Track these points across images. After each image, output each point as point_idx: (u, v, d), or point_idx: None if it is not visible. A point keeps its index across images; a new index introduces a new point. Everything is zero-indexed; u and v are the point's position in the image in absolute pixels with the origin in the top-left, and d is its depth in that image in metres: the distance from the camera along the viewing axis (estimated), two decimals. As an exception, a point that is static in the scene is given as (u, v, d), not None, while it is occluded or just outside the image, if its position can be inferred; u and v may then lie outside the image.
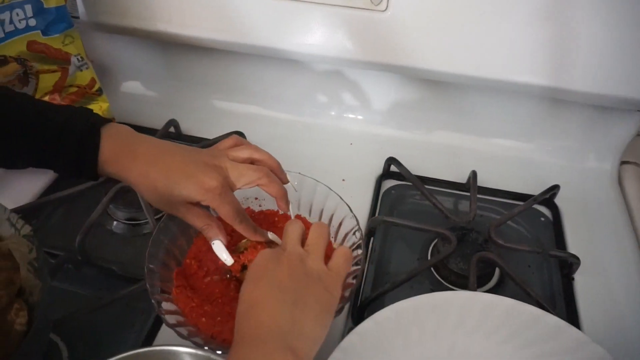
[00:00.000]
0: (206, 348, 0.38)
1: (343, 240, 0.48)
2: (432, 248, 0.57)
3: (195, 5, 0.63)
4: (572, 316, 0.50)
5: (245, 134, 0.68)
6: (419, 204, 0.62)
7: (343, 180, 0.63)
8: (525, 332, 0.42)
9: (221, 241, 0.44)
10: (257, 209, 0.53)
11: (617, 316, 0.50)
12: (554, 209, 0.61)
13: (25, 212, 0.57)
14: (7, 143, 0.41)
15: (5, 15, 0.53)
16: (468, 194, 0.60)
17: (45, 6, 0.56)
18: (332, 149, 0.69)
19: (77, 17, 0.67)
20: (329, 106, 0.73)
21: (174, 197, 0.41)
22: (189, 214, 0.43)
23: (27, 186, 0.62)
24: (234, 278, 0.46)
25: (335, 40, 0.61)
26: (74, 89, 0.61)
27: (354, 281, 0.44)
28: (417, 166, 0.64)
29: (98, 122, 0.42)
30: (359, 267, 0.44)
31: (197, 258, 0.48)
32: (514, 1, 0.54)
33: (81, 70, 0.61)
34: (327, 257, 0.42)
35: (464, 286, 0.50)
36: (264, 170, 0.44)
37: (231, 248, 0.45)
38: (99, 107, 0.64)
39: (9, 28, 0.54)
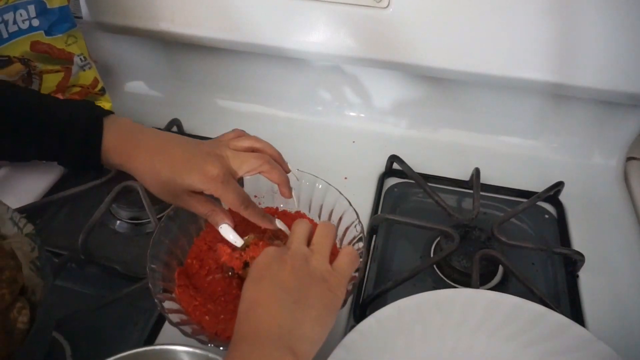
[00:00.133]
0: (210, 345, 0.39)
1: (344, 234, 0.48)
2: (435, 246, 0.56)
3: (198, 4, 0.63)
4: (576, 314, 0.50)
5: (248, 132, 0.68)
6: (422, 202, 0.62)
7: (345, 178, 0.63)
8: (530, 330, 0.42)
9: (228, 224, 0.44)
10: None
11: (622, 314, 0.50)
12: (559, 206, 0.61)
13: (30, 212, 0.57)
14: (12, 136, 0.42)
15: (9, 16, 0.54)
16: (471, 191, 0.60)
17: (48, 6, 0.56)
18: (334, 147, 0.69)
19: (80, 18, 0.67)
20: (332, 104, 0.73)
21: (177, 187, 0.42)
22: (193, 202, 0.43)
23: (31, 186, 0.62)
24: (236, 275, 0.46)
25: (337, 38, 0.61)
26: (77, 89, 0.62)
27: (356, 274, 0.43)
28: (420, 164, 0.63)
29: (100, 114, 0.43)
30: (361, 260, 0.44)
31: (199, 257, 0.48)
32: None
33: (84, 70, 0.61)
34: (333, 255, 0.42)
35: (467, 284, 0.50)
36: (265, 158, 0.44)
37: (233, 245, 0.45)
38: (101, 106, 0.64)
39: (12, 28, 0.55)
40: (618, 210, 0.61)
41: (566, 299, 0.52)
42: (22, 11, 0.54)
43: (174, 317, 0.41)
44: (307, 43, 0.62)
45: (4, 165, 0.63)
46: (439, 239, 0.56)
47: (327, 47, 0.62)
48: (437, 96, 0.68)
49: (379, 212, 0.59)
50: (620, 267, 0.54)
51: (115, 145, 0.43)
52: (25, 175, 0.63)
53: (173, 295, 0.44)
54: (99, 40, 0.73)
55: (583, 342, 0.40)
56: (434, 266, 0.54)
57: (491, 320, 0.42)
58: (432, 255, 0.56)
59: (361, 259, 0.44)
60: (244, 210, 0.43)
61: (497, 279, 0.54)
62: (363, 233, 0.46)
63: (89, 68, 0.61)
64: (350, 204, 0.48)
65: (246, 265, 0.44)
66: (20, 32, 0.55)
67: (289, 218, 0.52)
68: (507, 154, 0.68)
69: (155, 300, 0.41)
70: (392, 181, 0.64)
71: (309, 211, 0.52)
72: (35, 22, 0.56)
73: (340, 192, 0.49)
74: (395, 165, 0.64)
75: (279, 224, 0.46)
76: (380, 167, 0.65)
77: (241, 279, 0.46)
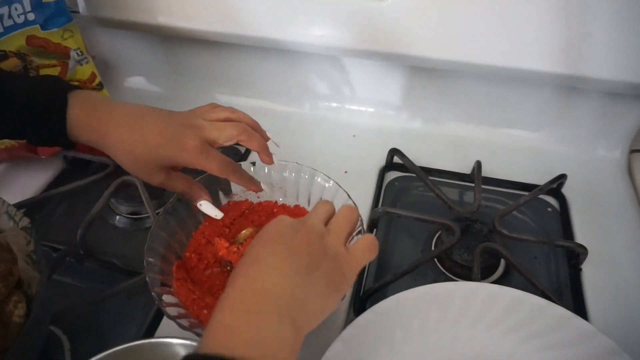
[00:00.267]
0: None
1: None
2: (436, 240, 0.56)
3: (196, -2, 0.63)
4: (579, 307, 0.49)
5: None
6: (423, 196, 0.61)
7: (345, 172, 0.63)
8: (530, 323, 0.41)
9: (207, 200, 0.44)
10: (255, 200, 0.52)
11: (625, 307, 0.49)
12: (561, 199, 0.60)
13: (29, 207, 0.58)
14: None
15: (4, 10, 0.53)
16: (473, 184, 0.59)
17: (43, 0, 0.55)
18: (334, 141, 0.69)
19: (78, 12, 0.66)
20: (331, 98, 0.72)
21: (153, 163, 0.40)
22: (169, 180, 0.42)
23: (30, 181, 0.62)
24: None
25: (335, 31, 0.60)
26: (75, 84, 0.61)
27: None
28: (421, 157, 0.63)
29: (64, 88, 0.41)
30: None
31: (197, 251, 0.48)
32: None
33: (81, 65, 0.61)
34: None
35: (468, 277, 0.49)
36: (242, 126, 0.43)
37: (230, 240, 0.45)
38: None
39: (8, 23, 0.54)
40: (622, 203, 0.60)
41: (569, 293, 0.51)
42: (17, 5, 0.54)
43: (172, 311, 0.41)
44: (306, 35, 0.62)
45: (3, 161, 0.63)
46: (440, 232, 0.56)
47: (326, 40, 0.62)
48: (437, 88, 0.67)
49: (380, 206, 0.59)
50: (623, 260, 0.54)
51: (83, 119, 0.40)
52: (25, 171, 0.63)
53: (171, 289, 0.44)
54: (97, 35, 0.73)
55: (584, 335, 0.40)
56: (435, 260, 0.54)
57: (491, 313, 0.42)
58: (433, 248, 0.55)
59: None
60: (232, 174, 0.42)
61: (499, 272, 0.53)
62: (362, 226, 0.46)
63: (86, 63, 0.61)
64: (350, 197, 0.48)
65: None
66: (16, 26, 0.55)
67: (288, 211, 0.52)
68: (509, 146, 0.67)
69: (153, 294, 0.41)
70: (392, 175, 0.64)
71: (308, 205, 0.51)
72: (31, 16, 0.55)
73: (339, 185, 0.49)
74: (396, 159, 0.63)
75: (264, 187, 0.47)
76: (381, 160, 0.64)
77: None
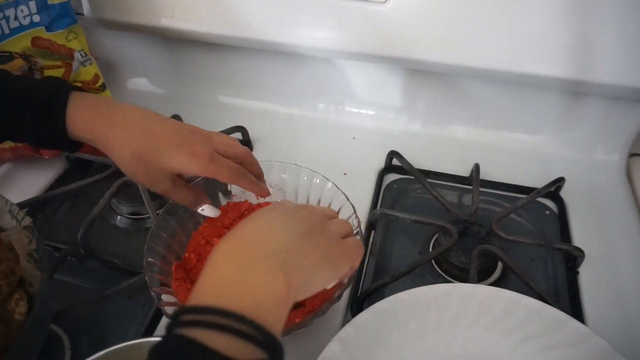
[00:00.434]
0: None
1: None
2: (434, 242, 0.56)
3: (199, 0, 0.63)
4: (576, 310, 0.49)
5: (248, 128, 0.68)
6: (421, 198, 0.62)
7: (345, 174, 0.63)
8: (526, 325, 0.42)
9: (208, 204, 0.44)
10: (254, 201, 0.53)
11: (622, 310, 0.49)
12: (560, 202, 0.60)
13: (32, 206, 0.58)
14: None
15: (10, 12, 0.54)
16: (471, 187, 0.59)
17: (49, 2, 0.56)
18: (334, 142, 0.69)
19: (82, 14, 0.67)
20: (332, 100, 0.73)
21: (160, 167, 0.38)
22: (175, 188, 0.40)
23: (33, 181, 0.63)
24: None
25: (336, 33, 0.61)
26: (78, 84, 0.62)
27: None
28: (420, 160, 0.63)
29: (65, 88, 0.40)
30: None
31: (196, 252, 0.49)
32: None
33: (85, 66, 0.61)
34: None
35: (466, 280, 0.50)
36: (247, 150, 0.44)
37: None
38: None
39: (13, 24, 0.55)
40: (620, 207, 0.60)
41: (566, 295, 0.51)
42: (23, 7, 0.55)
43: (170, 310, 0.41)
44: (307, 38, 0.62)
45: (7, 160, 0.64)
46: (437, 234, 0.56)
47: (327, 42, 0.62)
48: (437, 91, 0.67)
49: (378, 208, 0.59)
50: (621, 263, 0.54)
51: (84, 117, 0.38)
52: (28, 170, 0.64)
53: (170, 288, 0.44)
54: (101, 37, 0.74)
55: (580, 337, 0.40)
56: (433, 262, 0.54)
57: (487, 315, 0.42)
58: (430, 250, 0.55)
59: None
60: (242, 181, 0.42)
61: (496, 275, 0.54)
62: (360, 227, 0.46)
63: (90, 64, 0.62)
64: (348, 199, 0.48)
65: None
66: (21, 27, 0.55)
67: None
68: (508, 149, 0.67)
69: (152, 293, 0.42)
70: (391, 177, 0.64)
71: (307, 206, 0.52)
72: (36, 18, 0.56)
73: (337, 187, 0.49)
74: (395, 161, 0.64)
75: (273, 192, 0.47)
76: (380, 162, 0.65)
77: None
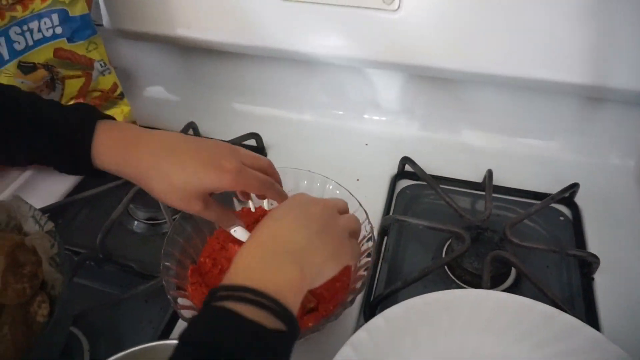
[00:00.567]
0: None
1: None
2: (447, 247, 0.56)
3: (213, 10, 0.65)
4: (591, 317, 0.49)
5: (262, 135, 0.69)
6: (434, 204, 0.62)
7: (358, 180, 0.64)
8: (539, 331, 0.41)
9: (241, 226, 0.44)
10: (268, 207, 0.53)
11: (638, 317, 0.49)
12: (574, 208, 0.60)
13: (52, 211, 0.60)
14: (4, 138, 0.40)
15: (34, 25, 0.56)
16: (484, 193, 0.59)
17: (70, 15, 0.58)
18: (347, 149, 0.70)
19: (101, 25, 0.69)
20: (345, 107, 0.73)
21: (192, 189, 0.38)
22: (207, 208, 0.40)
23: (54, 187, 0.65)
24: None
25: (349, 41, 0.62)
26: (98, 93, 0.64)
27: (365, 273, 0.44)
28: (432, 166, 0.64)
29: (93, 116, 0.40)
30: (370, 259, 0.45)
31: (212, 256, 0.49)
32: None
33: (104, 75, 0.63)
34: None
35: (478, 286, 0.50)
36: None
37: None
38: (120, 110, 0.66)
39: (37, 36, 0.57)
40: (635, 213, 0.59)
41: (581, 302, 0.51)
42: (46, 19, 0.57)
43: (187, 314, 0.42)
44: (320, 46, 0.63)
45: (29, 168, 0.66)
46: (450, 240, 0.56)
47: (340, 50, 0.63)
48: (449, 98, 0.68)
49: (391, 214, 0.60)
50: (636, 269, 0.53)
51: (110, 147, 0.39)
52: (49, 177, 0.66)
53: (186, 292, 0.45)
54: (119, 47, 0.76)
55: (594, 344, 0.40)
56: (446, 268, 0.54)
57: (500, 321, 0.42)
58: (443, 256, 0.55)
59: (369, 258, 0.45)
60: (271, 192, 0.42)
61: (509, 281, 0.53)
62: (372, 233, 0.47)
63: (109, 73, 0.64)
64: (360, 204, 0.49)
65: None
66: (44, 39, 0.57)
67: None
68: (521, 155, 0.67)
69: (169, 297, 0.43)
70: (404, 183, 0.64)
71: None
72: (59, 30, 0.58)
73: (350, 193, 0.50)
74: (408, 167, 0.64)
75: None
76: (393, 169, 0.65)
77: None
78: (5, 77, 0.55)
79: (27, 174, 0.66)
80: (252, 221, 0.52)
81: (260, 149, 0.69)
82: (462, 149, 0.69)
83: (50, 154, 0.40)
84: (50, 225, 0.42)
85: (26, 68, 0.57)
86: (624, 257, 0.54)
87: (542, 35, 0.55)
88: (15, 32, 0.55)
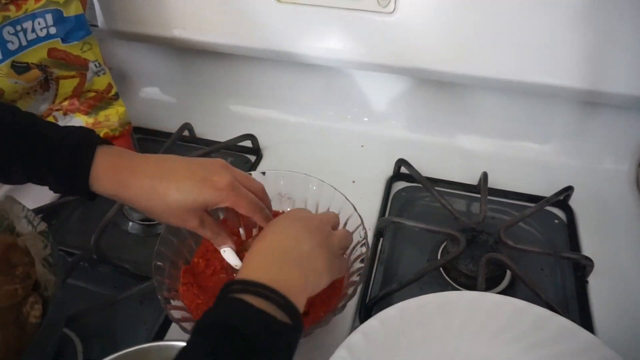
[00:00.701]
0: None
1: None
2: (442, 250, 0.56)
3: (209, 12, 0.65)
4: (585, 319, 0.49)
5: (258, 137, 0.69)
6: (429, 206, 0.62)
7: (353, 182, 0.64)
8: (533, 333, 0.42)
9: (231, 248, 0.44)
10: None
11: (632, 320, 0.49)
12: (568, 211, 0.60)
13: (46, 212, 0.60)
14: (1, 157, 0.40)
15: (28, 24, 0.56)
16: (479, 195, 0.59)
17: (65, 15, 0.58)
18: (342, 151, 0.70)
19: (96, 25, 0.69)
20: (340, 109, 0.73)
21: (187, 207, 0.40)
22: (202, 225, 0.41)
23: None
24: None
25: (344, 43, 0.62)
26: (92, 94, 0.64)
27: (358, 278, 0.44)
28: (428, 168, 0.64)
29: (93, 140, 0.41)
30: (363, 265, 0.45)
31: (205, 257, 0.49)
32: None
33: (98, 76, 0.63)
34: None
35: (473, 288, 0.50)
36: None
37: (238, 247, 0.46)
38: (115, 111, 0.65)
39: (31, 36, 0.56)
40: (629, 216, 0.60)
41: (575, 305, 0.51)
42: (40, 19, 0.56)
43: (176, 314, 0.42)
44: (316, 48, 0.63)
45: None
46: (445, 242, 0.56)
47: (336, 53, 0.63)
48: (445, 100, 0.68)
49: (387, 215, 0.60)
50: (630, 272, 0.53)
51: (107, 172, 0.40)
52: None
53: (177, 292, 0.45)
54: (114, 47, 0.76)
55: (588, 347, 0.40)
56: (441, 270, 0.54)
57: (494, 323, 0.42)
58: (438, 258, 0.56)
59: (362, 264, 0.45)
60: (259, 215, 0.42)
61: (504, 283, 0.54)
62: (367, 239, 0.47)
63: (103, 74, 0.63)
64: (356, 210, 0.49)
65: None
66: (38, 39, 0.57)
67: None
68: (516, 158, 0.68)
69: (159, 296, 0.42)
70: (399, 185, 0.64)
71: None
72: (53, 30, 0.58)
73: (346, 198, 0.50)
74: (403, 169, 0.64)
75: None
76: (388, 170, 0.65)
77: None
78: (-1, 77, 0.55)
79: (21, 174, 0.65)
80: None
81: (255, 150, 0.69)
82: (457, 152, 0.69)
83: (47, 175, 0.40)
84: (43, 226, 0.42)
85: (20, 68, 0.57)
86: (618, 260, 0.55)
87: (539, 39, 0.55)
88: (8, 32, 0.54)
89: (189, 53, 0.73)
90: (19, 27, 0.55)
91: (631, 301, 0.51)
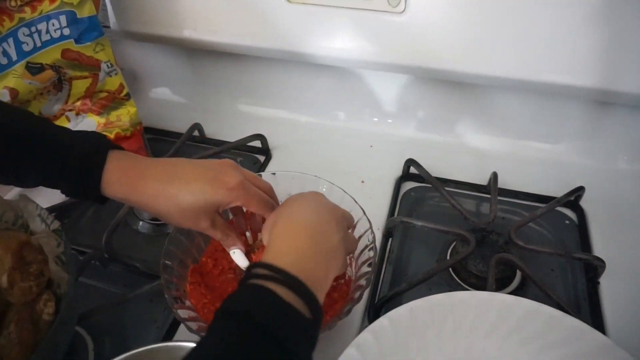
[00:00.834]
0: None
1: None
2: (452, 250, 0.56)
3: (220, 13, 0.65)
4: (597, 321, 0.49)
5: (267, 137, 0.69)
6: (439, 206, 0.62)
7: (362, 182, 0.64)
8: (545, 334, 0.41)
9: (240, 250, 0.45)
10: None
11: (645, 322, 0.48)
12: (579, 212, 0.59)
13: (58, 211, 0.60)
14: (15, 161, 0.40)
15: (42, 26, 0.57)
16: (489, 196, 0.59)
17: (78, 16, 0.59)
18: (352, 151, 0.70)
19: (108, 27, 0.70)
20: (350, 109, 0.74)
21: (199, 208, 0.40)
22: (213, 226, 0.42)
23: (60, 187, 0.65)
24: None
25: (354, 43, 0.62)
26: (104, 94, 0.64)
27: (365, 283, 0.44)
28: (437, 168, 0.64)
29: (105, 145, 0.41)
30: (370, 269, 0.45)
31: (213, 257, 0.49)
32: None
33: (110, 76, 0.64)
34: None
35: (483, 288, 0.50)
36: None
37: (247, 247, 0.46)
38: (126, 111, 0.66)
39: (45, 37, 0.57)
40: (642, 216, 0.59)
41: (586, 306, 0.51)
42: (55, 21, 0.57)
43: (183, 313, 0.42)
44: (326, 48, 0.63)
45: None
46: (455, 242, 0.56)
47: (346, 52, 0.63)
48: (454, 100, 0.68)
49: (396, 215, 0.60)
50: (643, 274, 0.53)
51: (118, 176, 0.40)
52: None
53: (185, 291, 0.45)
54: (126, 49, 0.76)
55: (601, 348, 0.40)
56: (450, 270, 0.54)
57: (505, 324, 0.42)
58: (448, 258, 0.55)
59: (370, 268, 0.45)
60: (269, 213, 0.42)
61: (514, 284, 0.53)
62: (374, 243, 0.46)
63: (115, 74, 0.64)
64: (365, 213, 0.48)
65: None
66: (52, 40, 0.58)
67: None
68: (527, 158, 0.67)
69: (166, 295, 0.43)
70: (409, 185, 0.64)
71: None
72: (66, 31, 0.58)
73: (355, 201, 0.49)
74: (413, 169, 0.64)
75: None
76: (398, 170, 0.65)
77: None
78: (14, 78, 0.56)
79: (34, 173, 0.66)
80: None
81: (265, 150, 0.70)
82: (467, 152, 0.68)
83: (59, 180, 0.41)
84: (56, 225, 0.43)
85: (34, 69, 0.57)
86: (630, 261, 0.54)
87: (551, 38, 0.55)
88: (23, 34, 0.55)
89: (200, 53, 0.74)
90: (33, 29, 0.56)
91: (644, 303, 0.50)
